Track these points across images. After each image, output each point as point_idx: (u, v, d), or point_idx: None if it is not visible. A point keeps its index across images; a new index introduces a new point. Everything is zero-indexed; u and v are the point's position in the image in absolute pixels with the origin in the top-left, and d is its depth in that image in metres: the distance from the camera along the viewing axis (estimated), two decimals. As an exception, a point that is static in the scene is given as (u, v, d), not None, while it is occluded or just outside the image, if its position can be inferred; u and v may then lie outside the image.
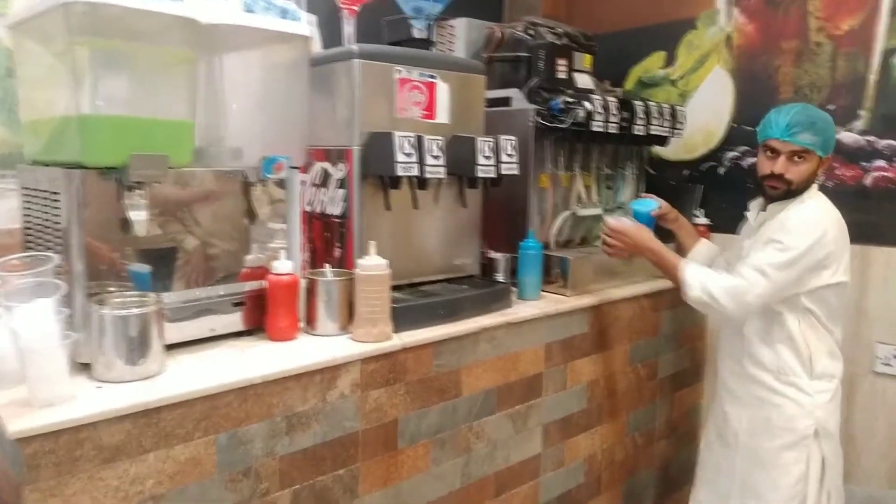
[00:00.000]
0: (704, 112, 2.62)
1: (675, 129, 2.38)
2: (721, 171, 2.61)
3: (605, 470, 2.18)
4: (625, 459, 2.26)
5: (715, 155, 2.62)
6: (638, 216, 2.03)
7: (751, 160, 2.49)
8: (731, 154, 2.58)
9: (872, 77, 2.22)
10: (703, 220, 2.51)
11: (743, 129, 2.53)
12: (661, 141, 2.41)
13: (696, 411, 2.59)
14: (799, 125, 1.74)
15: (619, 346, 2.20)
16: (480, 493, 1.78)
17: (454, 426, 1.70)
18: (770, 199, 1.84)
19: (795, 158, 1.76)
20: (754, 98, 2.49)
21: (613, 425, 2.20)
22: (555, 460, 2.00)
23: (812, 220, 1.75)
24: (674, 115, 2.36)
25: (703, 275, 1.82)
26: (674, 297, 2.32)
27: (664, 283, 2.35)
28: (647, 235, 1.97)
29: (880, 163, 2.20)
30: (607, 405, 2.17)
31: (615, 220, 2.00)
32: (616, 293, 2.17)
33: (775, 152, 1.78)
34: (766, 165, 1.80)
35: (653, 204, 2.06)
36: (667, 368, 2.39)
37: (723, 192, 2.57)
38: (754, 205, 1.94)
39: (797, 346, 1.78)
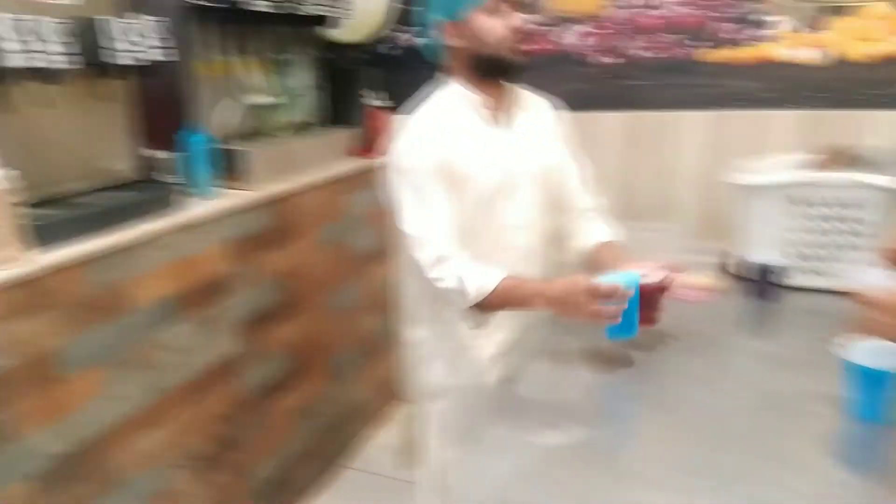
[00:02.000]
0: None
1: (343, 9, 2.35)
2: (396, 52, 2.67)
3: (309, 352, 2.26)
4: (328, 338, 2.36)
5: (388, 37, 2.66)
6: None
7: (417, 40, 2.58)
8: (404, 35, 2.65)
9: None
10: (380, 103, 2.58)
11: (410, 9, 2.59)
12: (330, 22, 2.36)
13: (389, 284, 2.77)
14: None
15: (309, 233, 2.22)
16: (175, 403, 1.72)
17: (130, 342, 1.59)
18: (506, 74, 1.36)
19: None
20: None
21: (312, 309, 2.26)
22: (256, 354, 2.00)
23: None
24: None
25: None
26: (358, 181, 2.40)
27: (348, 167, 2.41)
28: None
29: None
30: (304, 291, 2.21)
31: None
32: (300, 182, 2.16)
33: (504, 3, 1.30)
34: (498, 26, 1.29)
35: (636, 274, 1.24)
36: (357, 248, 2.50)
37: (400, 74, 2.64)
38: (464, 95, 1.36)
39: None
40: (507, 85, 1.38)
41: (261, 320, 2.01)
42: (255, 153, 2.06)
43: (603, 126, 1.64)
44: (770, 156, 1.71)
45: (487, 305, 1.29)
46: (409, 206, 1.30)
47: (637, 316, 1.21)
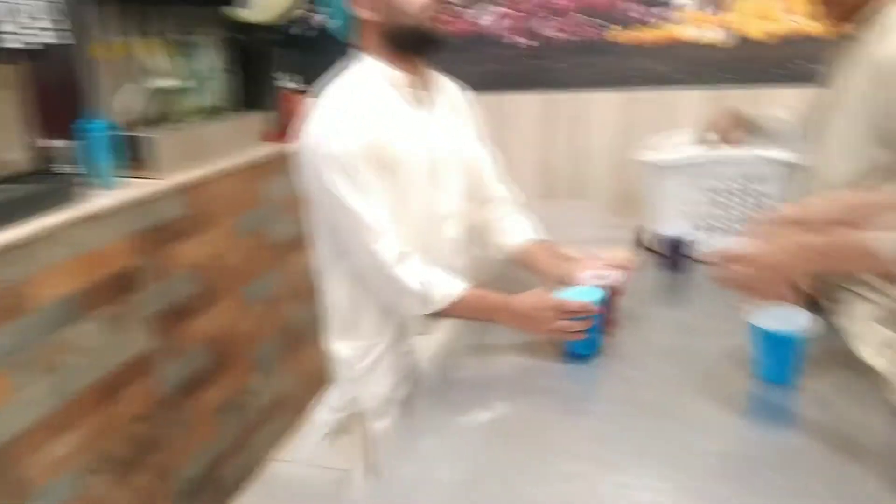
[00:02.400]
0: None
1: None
2: (310, 33, 2.60)
3: (229, 345, 2.19)
4: (249, 330, 2.30)
5: (301, 17, 2.59)
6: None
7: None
8: (317, 15, 2.58)
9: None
10: (295, 86, 2.51)
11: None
12: (238, 1, 2.27)
13: (311, 272, 2.72)
14: None
15: (224, 221, 2.14)
16: (88, 405, 1.63)
17: (35, 344, 1.49)
18: (425, 48, 1.26)
19: None
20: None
21: (231, 301, 2.19)
22: (172, 350, 1.92)
23: None
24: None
25: None
26: (275, 167, 2.33)
27: (263, 153, 2.33)
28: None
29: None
30: (221, 282, 2.13)
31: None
32: (213, 169, 2.08)
33: None
34: None
35: (598, 291, 1.20)
36: (276, 236, 2.43)
37: (315, 55, 2.57)
38: (383, 72, 1.25)
39: None
40: (425, 62, 1.29)
41: (176, 315, 1.93)
42: (161, 140, 1.96)
43: (519, 107, 1.66)
44: (675, 133, 1.77)
45: (446, 313, 1.23)
46: (347, 195, 1.17)
47: (602, 333, 1.20)
